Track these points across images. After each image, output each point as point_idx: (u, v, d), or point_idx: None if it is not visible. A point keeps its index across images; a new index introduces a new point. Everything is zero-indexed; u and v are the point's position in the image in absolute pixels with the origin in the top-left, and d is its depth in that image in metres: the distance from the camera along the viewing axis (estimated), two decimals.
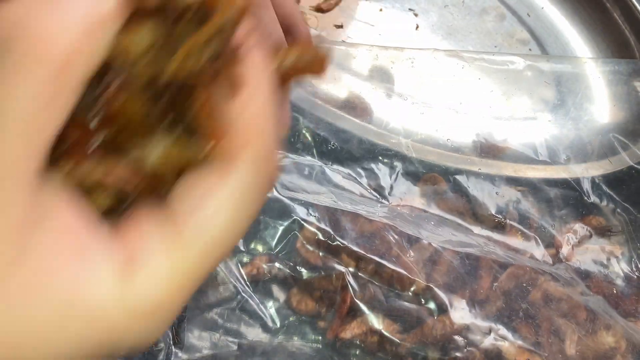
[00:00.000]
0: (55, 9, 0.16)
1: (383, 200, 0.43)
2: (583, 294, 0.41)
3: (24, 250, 0.17)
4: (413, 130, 0.47)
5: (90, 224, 0.19)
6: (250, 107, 0.19)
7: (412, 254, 0.39)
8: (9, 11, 0.17)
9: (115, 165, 0.19)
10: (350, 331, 0.36)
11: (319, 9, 0.54)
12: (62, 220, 0.18)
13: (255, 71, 0.20)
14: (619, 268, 0.46)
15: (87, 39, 0.17)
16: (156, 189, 0.19)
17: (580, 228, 0.47)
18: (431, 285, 0.38)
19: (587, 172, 0.48)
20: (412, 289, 0.38)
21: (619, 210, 0.48)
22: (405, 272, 0.38)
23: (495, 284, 0.39)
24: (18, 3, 0.16)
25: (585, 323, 0.39)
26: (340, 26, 0.54)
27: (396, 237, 0.39)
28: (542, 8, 0.61)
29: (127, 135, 0.19)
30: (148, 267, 0.19)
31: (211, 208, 0.19)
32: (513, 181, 0.47)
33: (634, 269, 0.46)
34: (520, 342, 0.37)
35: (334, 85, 0.47)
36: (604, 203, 0.48)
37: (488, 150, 0.48)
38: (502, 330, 0.38)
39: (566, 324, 0.38)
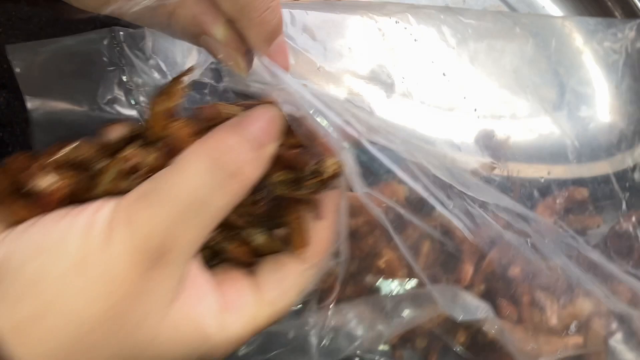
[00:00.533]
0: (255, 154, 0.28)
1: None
2: (583, 250, 0.42)
3: (176, 295, 0.27)
4: (415, 129, 0.48)
5: (206, 278, 0.28)
6: (325, 233, 0.31)
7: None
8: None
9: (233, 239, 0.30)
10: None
11: None
12: (195, 278, 0.28)
13: (332, 210, 0.31)
14: None
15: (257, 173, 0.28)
16: (249, 256, 0.30)
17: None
18: (414, 276, 0.41)
19: (591, 171, 0.49)
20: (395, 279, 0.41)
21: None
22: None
23: (479, 269, 0.42)
24: None
25: (564, 292, 0.41)
26: None
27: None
28: (543, 7, 0.60)
29: (246, 222, 0.30)
30: (240, 313, 0.28)
31: (287, 286, 0.30)
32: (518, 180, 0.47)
33: None
34: (502, 319, 0.40)
35: (335, 85, 0.48)
36: (610, 202, 0.48)
37: (491, 150, 0.49)
38: (486, 310, 0.40)
39: (545, 296, 0.41)
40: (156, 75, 0.44)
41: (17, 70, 0.37)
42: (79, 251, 0.24)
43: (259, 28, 0.29)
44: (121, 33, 0.43)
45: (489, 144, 0.46)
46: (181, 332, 0.27)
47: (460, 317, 0.37)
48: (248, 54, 0.31)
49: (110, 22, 0.43)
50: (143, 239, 0.25)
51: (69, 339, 0.24)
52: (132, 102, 0.43)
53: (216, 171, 0.26)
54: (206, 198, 0.26)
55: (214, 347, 0.28)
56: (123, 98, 0.43)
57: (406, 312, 0.39)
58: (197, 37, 0.30)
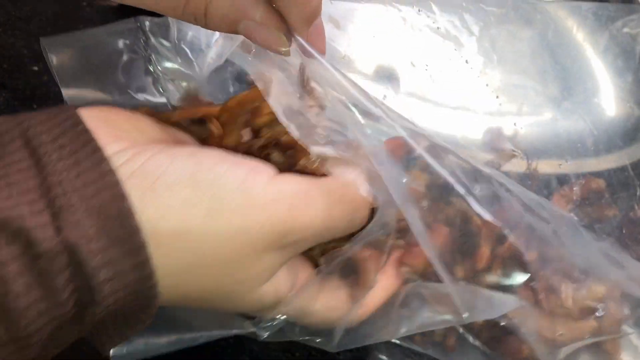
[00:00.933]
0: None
1: None
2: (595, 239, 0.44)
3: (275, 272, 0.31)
4: (438, 116, 0.49)
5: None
6: (376, 301, 0.36)
7: None
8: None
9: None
10: None
11: None
12: None
13: (389, 281, 0.37)
14: None
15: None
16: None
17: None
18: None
19: (608, 159, 0.49)
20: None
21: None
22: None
23: (495, 252, 0.43)
24: None
25: (580, 278, 0.42)
26: None
27: None
28: None
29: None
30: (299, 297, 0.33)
31: (330, 309, 0.35)
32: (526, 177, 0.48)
33: None
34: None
35: (359, 73, 0.48)
36: (625, 190, 0.48)
37: (497, 148, 0.49)
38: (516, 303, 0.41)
39: (561, 281, 0.42)
40: (182, 62, 0.45)
41: (53, 62, 0.38)
42: (232, 199, 0.27)
43: (300, 7, 0.30)
44: (147, 22, 0.43)
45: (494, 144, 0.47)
46: (265, 298, 0.31)
47: (482, 318, 0.39)
48: (287, 35, 0.31)
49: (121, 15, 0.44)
50: (290, 228, 0.29)
51: (194, 261, 0.27)
52: (160, 89, 0.44)
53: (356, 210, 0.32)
54: (341, 224, 0.32)
55: (277, 307, 0.32)
56: (151, 86, 0.44)
57: (425, 313, 0.40)
58: (235, 24, 0.30)
